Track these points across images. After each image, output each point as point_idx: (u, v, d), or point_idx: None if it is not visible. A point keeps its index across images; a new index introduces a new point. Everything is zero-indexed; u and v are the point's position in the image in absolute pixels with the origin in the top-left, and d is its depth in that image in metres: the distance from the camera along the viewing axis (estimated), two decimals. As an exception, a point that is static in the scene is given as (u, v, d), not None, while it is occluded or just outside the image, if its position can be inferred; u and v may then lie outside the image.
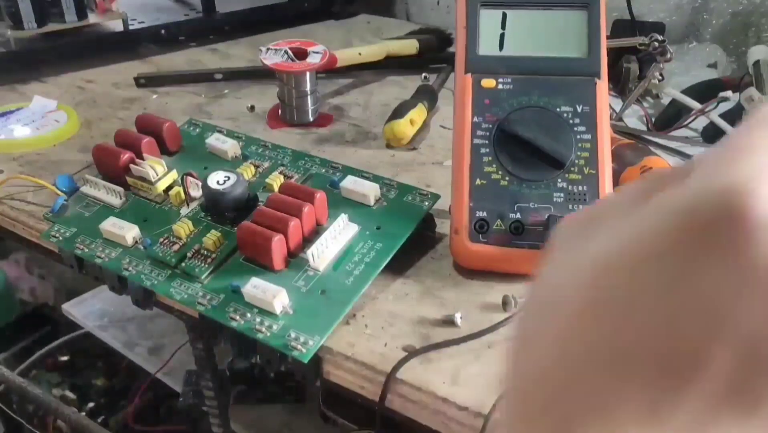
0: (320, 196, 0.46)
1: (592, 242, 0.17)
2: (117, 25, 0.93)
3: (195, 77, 0.82)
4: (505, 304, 0.43)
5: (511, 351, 0.18)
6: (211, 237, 0.46)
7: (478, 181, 0.46)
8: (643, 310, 0.15)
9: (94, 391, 1.01)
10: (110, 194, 0.51)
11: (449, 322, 0.42)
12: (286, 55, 0.67)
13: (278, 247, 0.43)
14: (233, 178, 0.47)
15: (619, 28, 0.80)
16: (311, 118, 0.70)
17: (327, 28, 1.05)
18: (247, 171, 0.52)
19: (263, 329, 0.40)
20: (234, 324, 0.41)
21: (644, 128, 0.69)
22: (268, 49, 0.68)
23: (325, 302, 0.42)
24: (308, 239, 0.45)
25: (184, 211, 0.50)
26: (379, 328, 0.42)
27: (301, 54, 0.68)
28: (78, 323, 0.93)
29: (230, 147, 0.55)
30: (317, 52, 0.68)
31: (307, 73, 0.68)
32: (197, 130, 0.59)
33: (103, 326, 0.90)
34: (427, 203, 0.49)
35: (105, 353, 1.03)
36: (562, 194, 0.45)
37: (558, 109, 0.47)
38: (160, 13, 1.00)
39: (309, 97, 0.69)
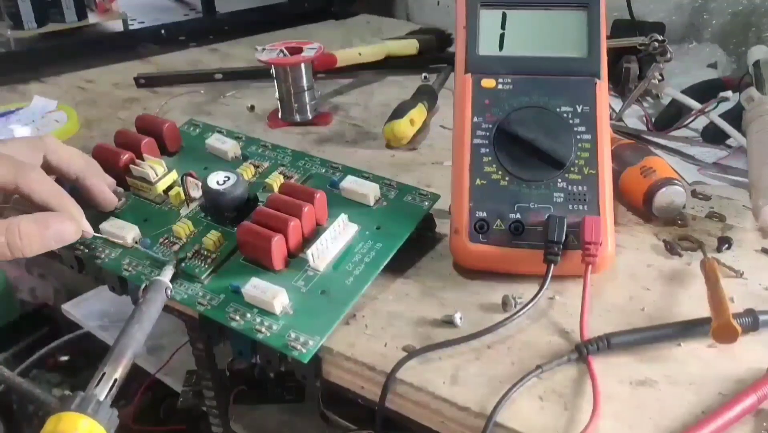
0: (320, 196, 0.46)
1: None
2: (117, 25, 0.94)
3: (195, 77, 0.82)
4: (505, 304, 0.43)
5: None
6: (211, 237, 0.46)
7: (478, 181, 0.46)
8: None
9: (94, 391, 1.01)
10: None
11: (449, 322, 0.42)
12: (281, 54, 0.68)
13: (278, 247, 0.43)
14: (233, 178, 0.47)
15: (619, 28, 0.80)
16: (310, 116, 0.70)
17: (327, 28, 1.05)
18: (247, 171, 0.52)
19: (263, 329, 0.40)
20: (234, 324, 0.41)
21: (644, 128, 0.69)
22: (263, 48, 0.68)
23: (325, 302, 0.42)
24: (308, 239, 0.45)
25: (184, 211, 0.50)
26: (379, 328, 0.42)
27: (296, 51, 0.68)
28: (78, 323, 0.93)
29: (230, 147, 0.55)
30: (312, 48, 0.69)
31: (303, 67, 0.68)
32: (197, 130, 0.59)
33: (103, 326, 0.90)
34: (427, 203, 0.49)
35: (105, 353, 1.03)
36: (562, 194, 0.45)
37: (558, 109, 0.47)
38: (160, 13, 1.01)
39: (306, 93, 0.69)
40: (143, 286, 0.42)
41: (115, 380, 0.36)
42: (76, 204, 0.44)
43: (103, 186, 0.48)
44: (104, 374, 0.36)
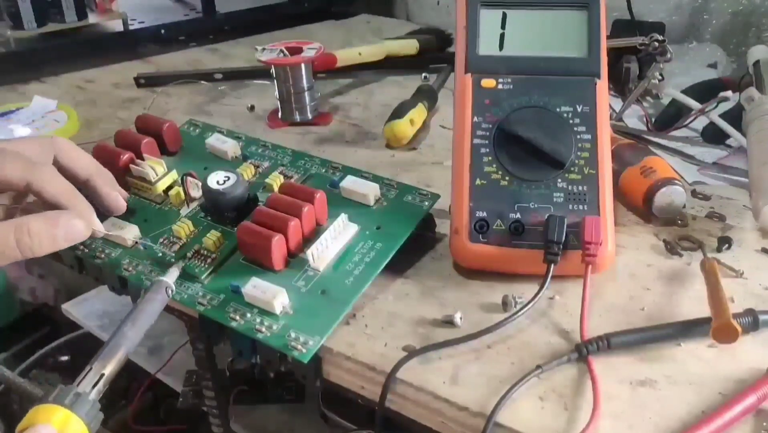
0: (320, 196, 0.46)
1: None
2: (117, 25, 0.94)
3: (195, 77, 0.83)
4: (505, 304, 0.43)
5: None
6: (211, 237, 0.46)
7: (478, 181, 0.46)
8: None
9: (94, 391, 1.01)
10: (110, 194, 0.51)
11: (449, 322, 0.42)
12: (281, 54, 0.68)
13: (278, 247, 0.43)
14: (233, 178, 0.47)
15: (619, 28, 0.80)
16: (310, 116, 0.70)
17: (327, 28, 1.05)
18: (247, 171, 0.52)
19: (263, 329, 0.40)
20: (234, 324, 0.41)
21: (644, 128, 0.69)
22: (263, 48, 0.68)
23: (325, 302, 0.42)
24: (308, 239, 0.45)
25: (184, 211, 0.50)
26: (379, 328, 0.42)
27: (296, 51, 0.68)
28: (78, 323, 0.93)
29: (230, 147, 0.55)
30: (312, 48, 0.69)
31: (303, 66, 0.68)
32: (197, 130, 0.59)
33: (103, 326, 0.90)
34: (427, 203, 0.49)
35: (105, 353, 1.03)
36: (562, 194, 0.45)
37: (558, 109, 0.47)
38: (160, 13, 1.01)
39: (306, 93, 0.69)
40: (144, 287, 0.43)
41: (102, 375, 0.35)
42: (87, 202, 0.43)
43: (112, 189, 0.47)
44: (90, 369, 0.35)
